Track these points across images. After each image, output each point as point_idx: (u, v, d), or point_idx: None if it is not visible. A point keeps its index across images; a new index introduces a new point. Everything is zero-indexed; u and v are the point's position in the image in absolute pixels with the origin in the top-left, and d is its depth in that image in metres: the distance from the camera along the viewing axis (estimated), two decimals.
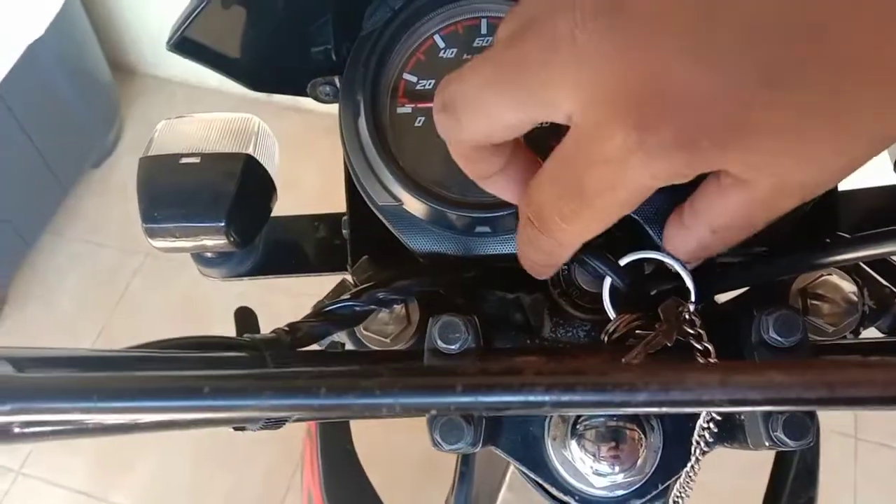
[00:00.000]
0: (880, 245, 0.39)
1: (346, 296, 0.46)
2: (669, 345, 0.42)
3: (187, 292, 1.91)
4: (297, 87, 0.57)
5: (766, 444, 0.41)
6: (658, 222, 0.48)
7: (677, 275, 0.48)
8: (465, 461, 0.75)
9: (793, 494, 0.81)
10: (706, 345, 0.41)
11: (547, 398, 0.27)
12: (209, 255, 0.60)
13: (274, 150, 0.60)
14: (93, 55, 2.01)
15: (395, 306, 0.49)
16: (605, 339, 0.45)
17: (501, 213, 0.47)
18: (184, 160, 0.55)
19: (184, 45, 0.46)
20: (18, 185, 1.87)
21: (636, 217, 0.48)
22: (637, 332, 0.45)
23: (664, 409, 0.27)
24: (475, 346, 0.42)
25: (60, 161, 1.95)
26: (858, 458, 1.68)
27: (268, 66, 0.55)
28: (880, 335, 0.51)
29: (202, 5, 0.43)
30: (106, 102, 2.09)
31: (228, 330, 0.50)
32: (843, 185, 0.60)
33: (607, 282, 0.46)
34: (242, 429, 0.42)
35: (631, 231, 0.49)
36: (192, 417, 0.29)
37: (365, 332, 0.49)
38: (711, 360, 0.41)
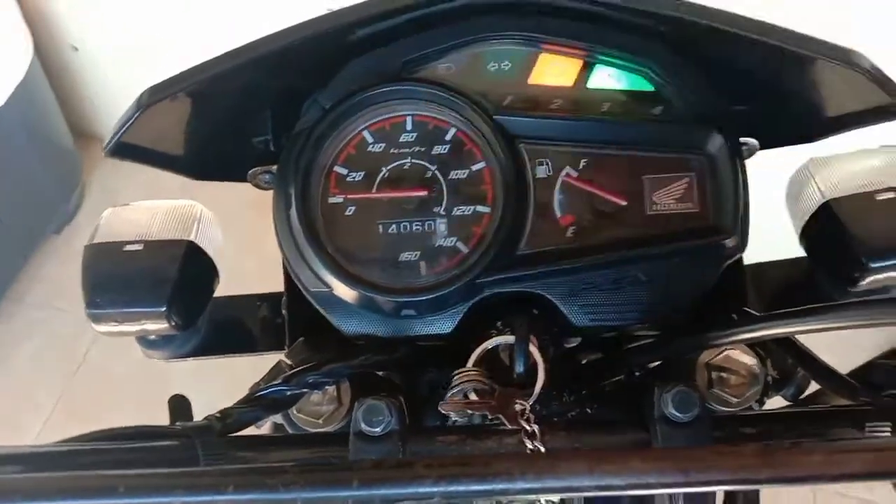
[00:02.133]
0: (776, 325, 0.43)
1: (278, 380, 0.48)
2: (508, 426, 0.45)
3: (147, 359, 1.90)
4: (238, 176, 0.60)
5: None
6: (573, 301, 0.51)
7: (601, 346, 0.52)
8: None
9: None
10: (538, 445, 0.43)
11: (435, 489, 0.29)
12: (152, 337, 0.62)
13: (216, 234, 0.62)
14: (55, 122, 2.02)
15: (327, 388, 0.52)
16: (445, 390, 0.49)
17: (425, 297, 0.50)
18: (127, 247, 0.58)
19: (121, 149, 0.49)
20: None
21: (551, 297, 0.52)
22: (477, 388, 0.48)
23: (540, 496, 0.29)
24: (399, 428, 0.45)
25: (21, 227, 1.95)
26: None
27: (209, 158, 0.58)
28: (785, 403, 0.55)
29: (136, 113, 0.46)
30: (68, 169, 2.10)
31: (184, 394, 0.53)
32: (753, 258, 0.65)
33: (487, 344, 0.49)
34: None
35: (549, 309, 0.52)
36: None
37: (298, 415, 0.51)
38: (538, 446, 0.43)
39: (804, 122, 0.58)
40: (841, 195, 0.58)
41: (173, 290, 0.56)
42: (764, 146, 0.59)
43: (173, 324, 0.56)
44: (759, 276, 0.62)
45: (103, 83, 2.14)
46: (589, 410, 0.53)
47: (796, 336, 0.50)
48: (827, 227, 0.58)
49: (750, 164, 0.59)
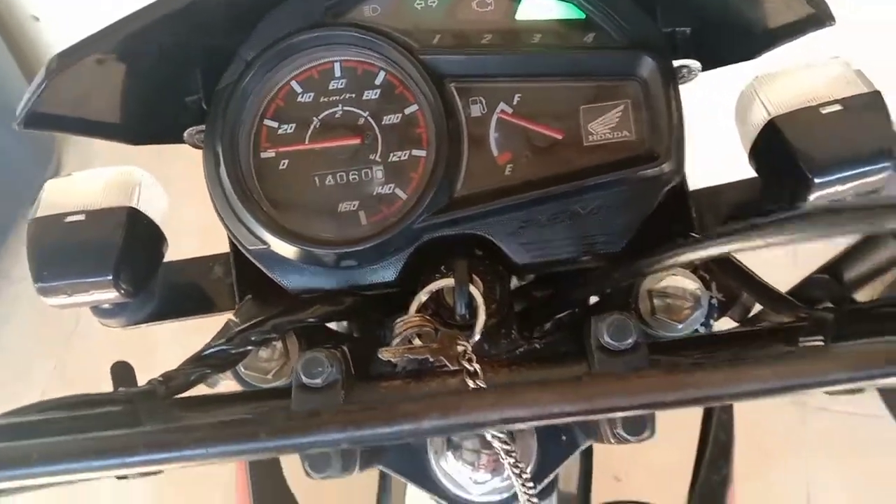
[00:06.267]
0: (711, 245, 0.42)
1: (221, 340, 0.48)
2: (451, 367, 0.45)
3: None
4: (174, 137, 0.59)
5: (612, 440, 0.45)
6: (513, 240, 0.51)
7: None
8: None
9: (712, 465, 0.87)
10: (479, 383, 0.43)
11: (343, 436, 0.30)
12: (106, 306, 0.62)
13: (159, 199, 0.62)
14: (20, 93, 2.00)
15: (274, 343, 0.52)
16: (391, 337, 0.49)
17: (363, 247, 0.50)
18: (69, 219, 0.57)
19: (35, 120, 0.48)
20: None
21: (491, 237, 0.51)
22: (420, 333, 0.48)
23: (448, 433, 0.30)
24: (340, 378, 0.45)
25: None
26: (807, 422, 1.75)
27: (141, 121, 0.57)
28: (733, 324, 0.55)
29: (44, 81, 0.45)
30: (40, 141, 2.08)
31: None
32: (706, 182, 0.64)
33: (429, 289, 0.50)
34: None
35: (492, 249, 0.52)
36: (26, 483, 0.31)
37: (246, 371, 0.51)
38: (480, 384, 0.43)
39: (742, 39, 0.57)
40: (786, 111, 0.57)
41: (118, 257, 0.55)
42: (706, 67, 0.58)
43: (122, 291, 0.56)
44: (713, 199, 0.62)
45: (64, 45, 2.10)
46: (538, 346, 0.53)
47: (736, 256, 0.50)
48: (773, 144, 0.57)
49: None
